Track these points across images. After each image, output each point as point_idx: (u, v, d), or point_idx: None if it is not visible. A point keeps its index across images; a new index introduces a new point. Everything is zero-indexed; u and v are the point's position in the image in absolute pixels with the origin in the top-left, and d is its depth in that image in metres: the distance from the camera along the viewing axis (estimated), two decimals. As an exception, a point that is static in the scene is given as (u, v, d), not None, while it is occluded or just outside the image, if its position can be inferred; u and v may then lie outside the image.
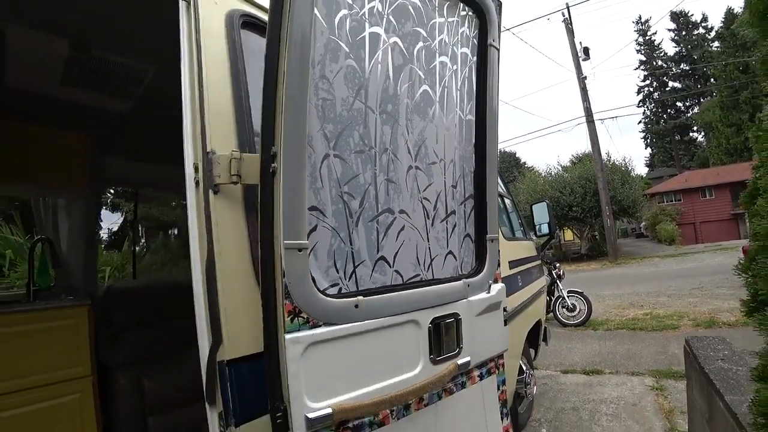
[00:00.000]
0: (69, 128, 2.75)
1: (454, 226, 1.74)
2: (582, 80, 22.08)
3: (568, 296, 7.44)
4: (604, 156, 23.40)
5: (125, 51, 2.05)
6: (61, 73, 2.16)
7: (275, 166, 1.04)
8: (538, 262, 4.34)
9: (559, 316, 7.49)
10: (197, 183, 1.10)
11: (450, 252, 1.70)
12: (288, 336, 1.02)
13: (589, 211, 22.45)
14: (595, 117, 22.16)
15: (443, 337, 1.52)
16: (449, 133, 1.74)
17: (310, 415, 1.04)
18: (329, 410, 1.08)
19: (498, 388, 1.93)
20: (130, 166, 3.31)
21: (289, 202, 1.03)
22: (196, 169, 1.11)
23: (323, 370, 1.10)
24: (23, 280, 4.30)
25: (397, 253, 1.41)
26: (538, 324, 4.07)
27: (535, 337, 4.09)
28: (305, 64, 1.05)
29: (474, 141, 1.88)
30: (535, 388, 3.75)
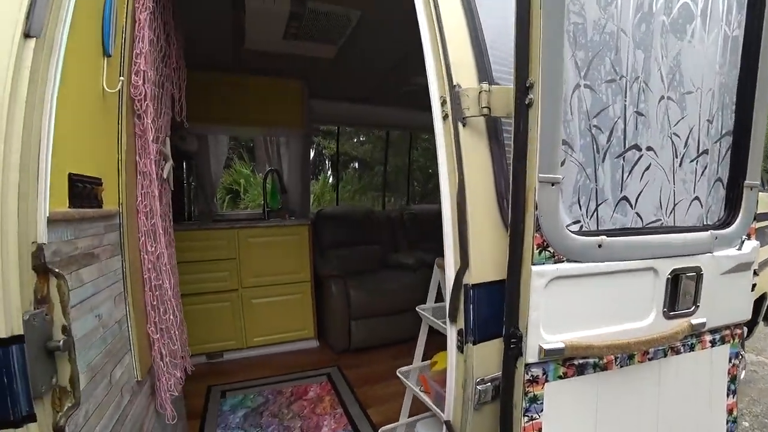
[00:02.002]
0: (287, 76, 3.24)
1: (705, 167, 1.45)
2: None
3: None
4: None
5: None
6: (282, 30, 2.49)
7: (531, 98, 1.01)
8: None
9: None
10: (445, 116, 1.16)
11: (696, 197, 1.44)
12: (535, 268, 1.04)
13: None
14: None
15: (680, 291, 1.34)
16: (710, 56, 1.40)
17: (545, 346, 1.08)
18: (561, 344, 1.10)
19: (729, 361, 1.66)
20: (333, 107, 3.78)
21: (544, 135, 1.01)
22: (444, 103, 1.16)
23: (560, 305, 1.11)
24: (254, 203, 5.58)
25: (640, 193, 1.27)
26: (762, 297, 3.27)
27: (754, 313, 3.32)
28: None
29: (741, 64, 1.47)
30: (743, 372, 3.11)
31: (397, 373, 1.72)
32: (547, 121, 1.01)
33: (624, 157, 1.22)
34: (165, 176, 1.72)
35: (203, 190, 3.36)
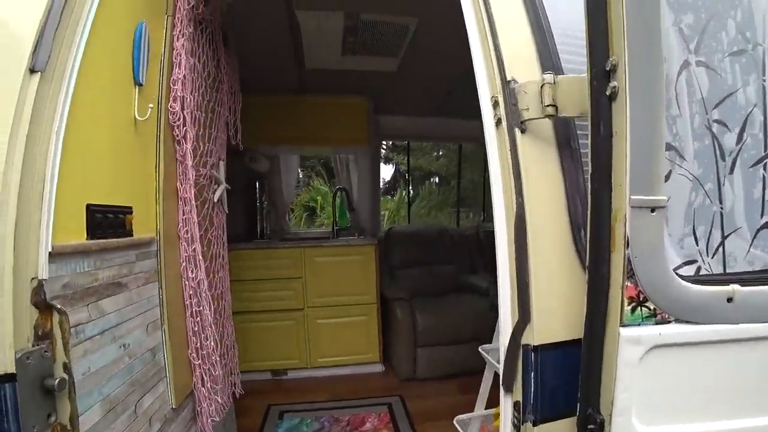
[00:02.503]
0: (351, 93, 3.21)
1: None
2: None
3: None
4: None
5: (387, 8, 2.08)
6: (340, 46, 2.43)
7: (615, 86, 0.72)
8: None
9: None
10: (498, 121, 0.91)
11: None
12: (625, 331, 0.73)
13: None
14: None
15: None
16: None
17: (638, 441, 0.75)
18: (663, 441, 0.76)
19: None
20: (401, 121, 3.66)
21: (638, 138, 0.71)
22: (496, 105, 0.91)
23: (666, 385, 0.77)
24: (329, 221, 5.73)
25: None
26: None
27: None
28: None
29: None
30: None
31: (455, 423, 1.46)
32: (640, 118, 0.71)
33: (766, 165, 0.83)
34: (216, 200, 1.73)
35: (275, 209, 3.47)
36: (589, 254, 0.78)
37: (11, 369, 0.70)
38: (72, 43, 0.85)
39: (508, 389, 0.88)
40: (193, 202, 1.38)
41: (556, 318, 0.84)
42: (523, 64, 0.90)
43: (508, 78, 0.90)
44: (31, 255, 0.76)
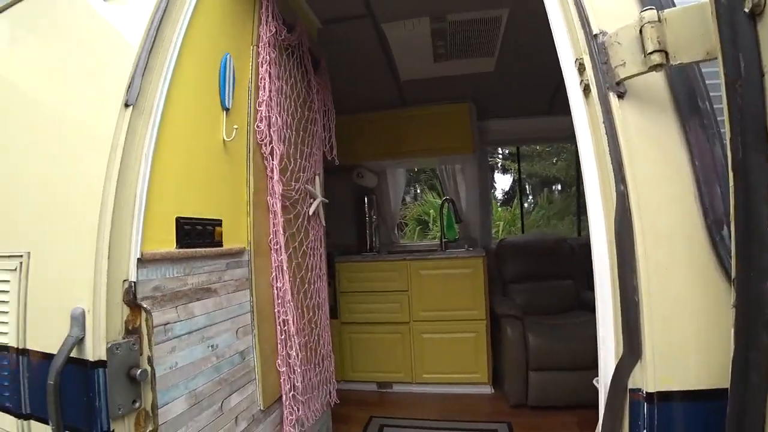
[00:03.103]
0: (451, 101, 3.08)
1: None
2: None
3: None
4: None
5: (472, 2, 1.91)
6: (430, 52, 2.33)
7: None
8: None
9: None
10: (586, 89, 0.70)
11: None
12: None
13: None
14: None
15: None
16: None
17: None
18: None
19: None
20: (506, 124, 3.38)
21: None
22: (582, 69, 0.70)
23: None
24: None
25: None
26: None
27: None
28: None
29: None
30: None
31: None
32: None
33: None
34: (311, 213, 1.81)
35: (384, 222, 3.52)
36: (737, 261, 0.51)
37: (103, 357, 0.80)
38: (159, 80, 0.98)
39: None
40: (280, 215, 1.46)
41: (684, 354, 0.58)
42: (613, 5, 0.67)
43: (595, 31, 0.69)
44: (123, 261, 0.87)
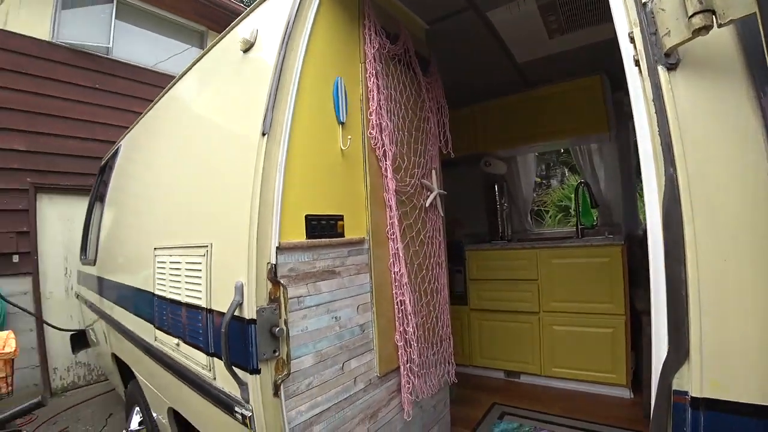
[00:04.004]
0: (579, 75, 2.73)
1: None
2: None
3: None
4: None
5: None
6: (543, 29, 2.14)
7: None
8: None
9: None
10: (637, 63, 0.65)
11: None
12: None
13: None
14: None
15: None
16: None
17: None
18: None
19: None
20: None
21: None
22: (632, 41, 0.65)
23: None
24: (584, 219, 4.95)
25: None
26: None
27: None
28: None
29: None
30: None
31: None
32: None
33: None
34: (427, 205, 1.96)
35: (517, 210, 3.39)
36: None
37: (254, 316, 1.15)
38: (285, 111, 1.29)
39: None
40: (395, 208, 1.65)
41: (744, 361, 0.50)
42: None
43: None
44: (267, 248, 1.21)
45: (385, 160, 1.65)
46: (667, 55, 0.59)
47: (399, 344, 1.65)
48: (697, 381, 0.52)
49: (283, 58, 1.27)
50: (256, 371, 1.15)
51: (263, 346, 1.15)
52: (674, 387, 0.56)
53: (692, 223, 0.54)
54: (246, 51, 1.45)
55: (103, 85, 4.12)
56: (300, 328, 1.29)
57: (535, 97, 2.92)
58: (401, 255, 1.66)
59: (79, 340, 3.30)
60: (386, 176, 1.67)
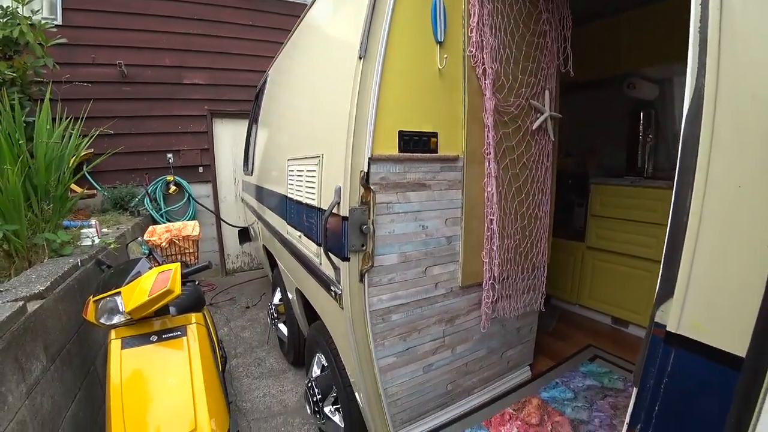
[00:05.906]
0: None
1: None
2: None
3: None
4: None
5: None
6: None
7: None
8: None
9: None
10: None
11: None
12: None
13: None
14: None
15: None
16: None
17: None
18: None
19: None
20: None
21: None
22: None
23: None
24: None
25: None
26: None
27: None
28: None
29: None
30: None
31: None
32: None
33: None
34: (534, 128, 1.86)
35: (665, 144, 2.83)
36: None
37: (347, 215, 1.38)
38: (379, 35, 1.36)
39: (635, 384, 0.60)
40: (492, 129, 1.63)
41: (725, 308, 0.46)
42: None
43: None
44: (361, 158, 1.38)
45: (485, 79, 1.61)
46: None
47: (485, 260, 1.73)
48: (675, 317, 0.50)
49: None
50: (346, 259, 1.40)
51: (353, 239, 1.39)
52: (656, 319, 0.54)
53: (709, 143, 0.47)
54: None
55: (257, 21, 4.74)
56: (387, 230, 1.48)
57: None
58: (494, 175, 1.67)
59: (244, 234, 4.27)
60: (486, 95, 1.63)
